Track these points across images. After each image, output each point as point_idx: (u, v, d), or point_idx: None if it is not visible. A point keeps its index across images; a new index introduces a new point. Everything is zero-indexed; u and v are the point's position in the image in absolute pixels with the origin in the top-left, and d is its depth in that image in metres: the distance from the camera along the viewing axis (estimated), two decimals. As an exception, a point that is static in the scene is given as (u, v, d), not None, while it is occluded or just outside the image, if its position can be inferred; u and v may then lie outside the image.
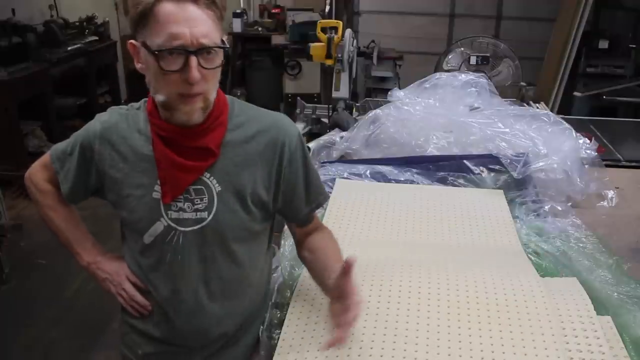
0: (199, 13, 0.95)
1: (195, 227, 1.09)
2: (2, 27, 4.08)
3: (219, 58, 1.00)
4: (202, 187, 1.08)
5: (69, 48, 4.74)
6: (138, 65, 1.03)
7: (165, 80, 0.98)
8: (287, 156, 1.12)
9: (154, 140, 1.07)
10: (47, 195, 1.21)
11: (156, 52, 0.95)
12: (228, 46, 1.01)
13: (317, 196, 1.21)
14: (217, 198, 1.09)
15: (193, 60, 0.95)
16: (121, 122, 1.11)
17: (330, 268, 1.10)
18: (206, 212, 1.09)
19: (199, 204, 1.08)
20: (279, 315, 1.25)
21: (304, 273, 1.33)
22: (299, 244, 1.26)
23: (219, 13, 0.99)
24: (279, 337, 1.15)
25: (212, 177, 1.08)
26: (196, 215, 1.09)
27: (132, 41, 1.01)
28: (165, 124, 1.05)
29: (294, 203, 1.18)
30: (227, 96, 1.13)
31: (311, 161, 1.21)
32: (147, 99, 1.12)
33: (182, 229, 1.09)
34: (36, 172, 1.22)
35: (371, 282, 1.25)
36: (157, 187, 1.08)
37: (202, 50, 0.96)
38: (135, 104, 1.15)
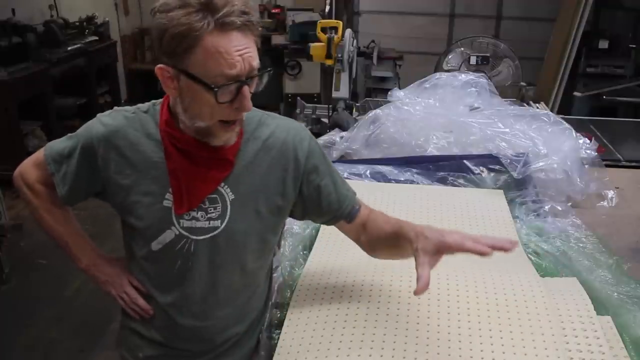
0: (245, 40, 0.93)
1: (207, 236, 1.08)
2: (2, 27, 4.08)
3: (257, 79, 0.99)
4: (216, 196, 1.07)
5: (69, 48, 4.74)
6: (168, 90, 0.99)
7: (214, 110, 0.95)
8: (302, 159, 1.10)
9: (169, 150, 1.04)
10: (42, 197, 1.17)
11: (215, 88, 0.92)
12: (271, 69, 1.00)
13: (347, 191, 1.17)
14: (230, 206, 1.07)
15: (246, 90, 0.94)
16: (128, 126, 1.08)
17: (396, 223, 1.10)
18: (219, 221, 1.07)
19: (212, 212, 1.07)
20: (279, 315, 1.25)
21: (304, 273, 1.33)
22: (363, 240, 1.18)
23: (258, 36, 0.97)
24: (279, 337, 1.15)
25: (226, 186, 1.07)
26: (209, 224, 1.07)
27: (163, 66, 0.96)
28: (182, 135, 1.03)
29: (325, 202, 1.14)
30: None
31: (330, 162, 1.18)
32: (155, 101, 1.10)
33: (195, 237, 1.08)
34: (27, 171, 1.17)
35: (371, 282, 1.25)
36: (169, 196, 1.06)
37: (251, 78, 0.95)
38: (143, 107, 1.11)
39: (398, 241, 1.08)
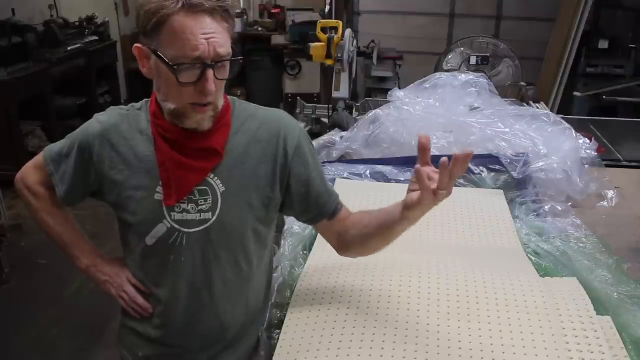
0: (214, 25, 0.95)
1: (199, 229, 1.08)
2: (2, 27, 4.07)
3: (228, 67, 1.00)
4: (207, 188, 1.08)
5: (69, 48, 4.73)
6: (144, 70, 1.02)
7: (179, 91, 0.98)
8: (291, 151, 1.11)
9: (157, 141, 1.06)
10: (42, 199, 1.19)
11: (174, 67, 0.94)
12: (241, 57, 1.02)
13: (332, 188, 1.18)
14: (221, 198, 1.08)
15: (210, 73, 0.96)
16: (122, 122, 1.10)
17: (384, 211, 1.08)
18: (210, 213, 1.08)
19: (203, 204, 1.08)
20: (279, 315, 1.25)
21: (303, 273, 1.33)
22: (338, 239, 1.17)
23: (232, 24, 0.99)
24: (279, 337, 1.15)
25: (216, 178, 1.08)
26: (200, 216, 1.08)
27: (139, 45, 1.00)
28: (170, 126, 1.04)
29: (313, 196, 1.14)
30: (228, 96, 1.12)
31: (317, 157, 1.19)
32: (148, 99, 1.12)
33: (186, 230, 1.08)
34: (28, 175, 1.20)
35: (371, 282, 1.25)
36: (160, 189, 1.07)
37: (217, 63, 0.97)
38: (136, 105, 1.14)
39: (387, 217, 1.07)
